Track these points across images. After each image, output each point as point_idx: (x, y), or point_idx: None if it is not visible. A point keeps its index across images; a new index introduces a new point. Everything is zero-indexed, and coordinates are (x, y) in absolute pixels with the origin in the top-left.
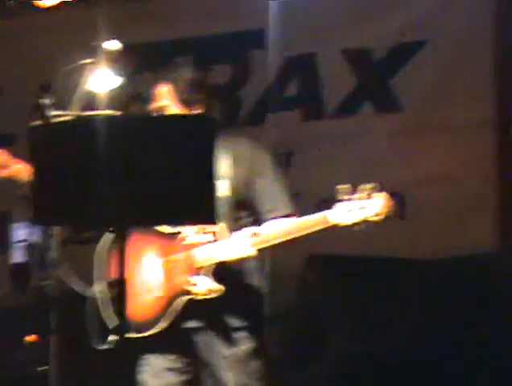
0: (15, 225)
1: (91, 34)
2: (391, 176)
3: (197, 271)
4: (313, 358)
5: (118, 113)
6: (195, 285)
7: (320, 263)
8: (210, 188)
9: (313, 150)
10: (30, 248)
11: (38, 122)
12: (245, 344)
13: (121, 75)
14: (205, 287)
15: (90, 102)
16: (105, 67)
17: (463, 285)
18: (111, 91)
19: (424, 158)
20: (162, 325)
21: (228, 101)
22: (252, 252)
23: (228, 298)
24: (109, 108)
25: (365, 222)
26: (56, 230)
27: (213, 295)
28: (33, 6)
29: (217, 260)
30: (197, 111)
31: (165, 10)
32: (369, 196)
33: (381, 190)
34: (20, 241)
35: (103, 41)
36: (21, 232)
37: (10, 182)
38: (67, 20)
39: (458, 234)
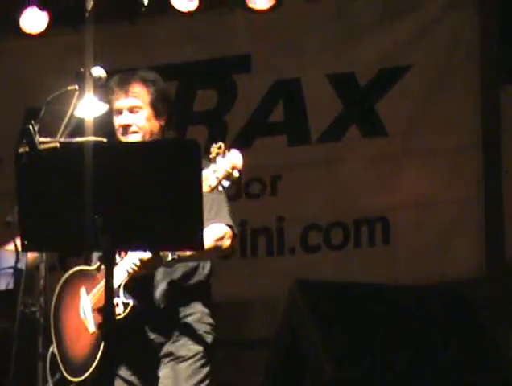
0: (0, 251)
1: (77, 60)
2: (376, 200)
3: (117, 291)
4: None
5: (104, 140)
6: (117, 305)
7: (306, 288)
8: (197, 214)
9: (299, 174)
10: (17, 274)
11: (25, 148)
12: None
13: (106, 102)
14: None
15: (77, 128)
16: (91, 93)
17: (445, 311)
18: (97, 117)
19: (408, 182)
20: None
21: (214, 126)
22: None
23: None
24: (95, 134)
25: (223, 181)
26: (43, 256)
27: (127, 311)
28: (20, 31)
29: (125, 275)
30: (162, 122)
31: (151, 36)
32: (215, 158)
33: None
34: (6, 268)
35: (89, 67)
36: (6, 258)
37: None
38: (53, 45)
39: (441, 259)
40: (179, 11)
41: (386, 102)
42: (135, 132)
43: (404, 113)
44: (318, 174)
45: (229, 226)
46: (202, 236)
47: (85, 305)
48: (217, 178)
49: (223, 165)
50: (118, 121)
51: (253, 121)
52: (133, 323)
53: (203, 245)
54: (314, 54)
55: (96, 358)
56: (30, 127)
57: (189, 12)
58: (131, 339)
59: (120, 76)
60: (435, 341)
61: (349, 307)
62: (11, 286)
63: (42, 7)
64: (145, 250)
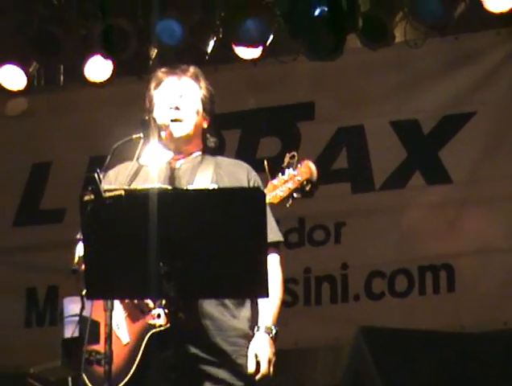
0: (66, 299)
1: (142, 109)
2: (440, 247)
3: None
4: None
5: (169, 187)
6: (158, 316)
7: (371, 336)
8: (262, 262)
9: (363, 222)
10: (82, 322)
11: (90, 196)
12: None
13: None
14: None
15: (141, 176)
16: (155, 141)
17: (510, 359)
18: (161, 165)
19: (473, 228)
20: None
21: (278, 173)
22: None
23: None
24: (159, 182)
25: (294, 192)
26: (109, 304)
27: (170, 322)
28: (85, 80)
29: None
30: (206, 123)
31: (214, 84)
32: (292, 168)
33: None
34: (72, 315)
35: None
36: (72, 306)
37: (60, 256)
38: (118, 94)
39: (505, 307)
40: (242, 59)
41: (450, 149)
42: (180, 120)
43: (468, 160)
44: (382, 221)
45: (277, 245)
46: (267, 283)
47: (117, 315)
48: (289, 188)
49: (295, 175)
50: (168, 103)
51: (316, 168)
52: (174, 336)
53: (268, 293)
54: (377, 101)
55: (131, 369)
56: (96, 175)
57: (252, 60)
58: (171, 352)
59: (171, 67)
60: None
61: (414, 355)
62: (76, 334)
63: (106, 56)
64: (209, 298)
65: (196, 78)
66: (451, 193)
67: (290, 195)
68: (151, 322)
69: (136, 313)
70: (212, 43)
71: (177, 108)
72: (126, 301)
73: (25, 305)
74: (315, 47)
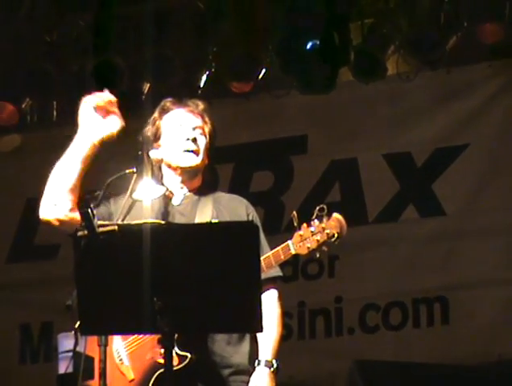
0: (60, 335)
1: (134, 144)
2: (434, 279)
3: None
4: None
5: (162, 222)
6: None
7: (365, 369)
8: (256, 296)
9: (356, 255)
10: (76, 357)
11: (83, 232)
12: None
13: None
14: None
15: (134, 211)
16: (148, 176)
17: None
18: (155, 200)
19: (467, 261)
20: None
21: (271, 206)
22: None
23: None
24: (152, 217)
25: (323, 245)
26: (103, 340)
27: (184, 364)
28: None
29: None
30: (207, 160)
31: None
32: (320, 221)
33: (330, 212)
34: (66, 351)
35: (147, 150)
36: (67, 342)
37: (54, 292)
38: None
39: (499, 339)
40: (234, 93)
41: (443, 181)
42: (198, 152)
43: (461, 192)
44: (375, 254)
45: (276, 280)
46: (261, 318)
47: (121, 350)
48: (317, 240)
49: (324, 228)
50: (184, 134)
51: (309, 201)
52: (184, 376)
53: (262, 328)
54: (370, 134)
55: None
56: (89, 210)
57: (244, 94)
58: None
59: (181, 98)
60: None
61: None
62: (71, 370)
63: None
64: (203, 333)
65: (205, 113)
66: (445, 225)
67: (318, 248)
68: (161, 360)
69: (142, 350)
70: (204, 78)
71: (195, 140)
72: (132, 337)
73: (19, 342)
74: (308, 81)
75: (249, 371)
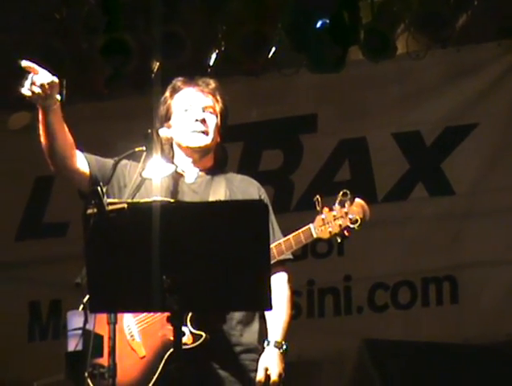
0: (70, 312)
1: (143, 122)
2: (443, 259)
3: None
4: None
5: (171, 200)
6: (184, 334)
7: (374, 348)
8: (266, 274)
9: (365, 234)
10: (85, 335)
11: (93, 210)
12: None
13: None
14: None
15: (144, 189)
16: (158, 154)
17: None
18: (164, 178)
19: (475, 240)
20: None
21: (280, 185)
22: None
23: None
24: (162, 195)
25: (344, 230)
26: (112, 317)
27: (198, 343)
28: (88, 94)
29: None
30: (219, 138)
31: None
32: (342, 206)
33: (353, 197)
34: (75, 329)
35: (156, 128)
36: (76, 320)
37: (63, 270)
38: (119, 107)
39: (508, 318)
40: (244, 71)
41: (453, 160)
42: (207, 133)
43: (471, 172)
44: (384, 233)
45: (286, 262)
46: (270, 296)
47: (132, 327)
48: (339, 225)
49: (347, 213)
50: (193, 115)
51: (319, 180)
52: (197, 355)
53: (271, 305)
54: (379, 113)
55: (149, 383)
56: (99, 188)
57: (254, 72)
58: (195, 374)
59: (192, 77)
60: None
61: (417, 366)
62: (80, 348)
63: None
64: (212, 311)
65: (216, 92)
66: (453, 204)
67: (340, 233)
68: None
69: (154, 327)
70: (214, 56)
71: (204, 121)
72: (143, 314)
73: (28, 320)
74: (318, 60)
75: (258, 349)
